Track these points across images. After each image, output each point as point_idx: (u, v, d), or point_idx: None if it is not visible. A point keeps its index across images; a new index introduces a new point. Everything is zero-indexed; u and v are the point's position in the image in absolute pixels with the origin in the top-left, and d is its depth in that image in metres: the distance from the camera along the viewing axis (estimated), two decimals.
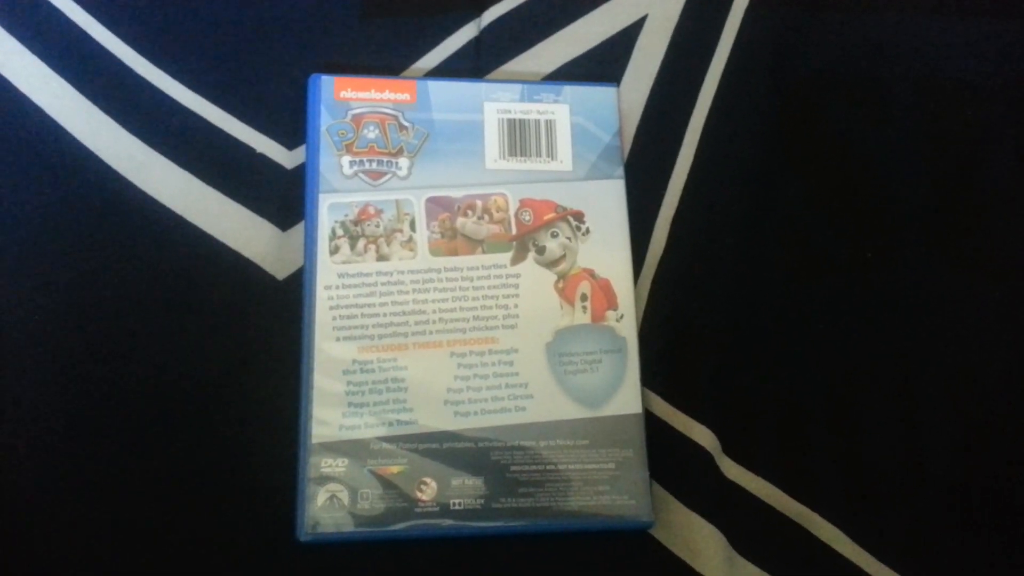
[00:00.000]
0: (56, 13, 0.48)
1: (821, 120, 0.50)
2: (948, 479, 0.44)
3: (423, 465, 0.41)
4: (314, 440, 0.40)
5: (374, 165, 0.45)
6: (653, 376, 0.44)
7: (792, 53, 0.51)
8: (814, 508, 0.42)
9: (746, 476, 0.43)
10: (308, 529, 0.39)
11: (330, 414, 0.41)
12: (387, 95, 0.46)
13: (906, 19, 0.52)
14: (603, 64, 0.50)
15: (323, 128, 0.45)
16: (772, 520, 0.42)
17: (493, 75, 0.49)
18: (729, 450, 0.43)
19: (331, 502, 0.40)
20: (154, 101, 0.47)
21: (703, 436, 0.43)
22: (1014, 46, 0.52)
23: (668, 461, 0.42)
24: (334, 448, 0.40)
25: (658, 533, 0.42)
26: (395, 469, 0.40)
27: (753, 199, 0.48)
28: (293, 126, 0.47)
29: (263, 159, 0.46)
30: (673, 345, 0.45)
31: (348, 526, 0.39)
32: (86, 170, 0.45)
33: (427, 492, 0.40)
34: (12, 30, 0.47)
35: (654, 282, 0.46)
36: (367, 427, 0.41)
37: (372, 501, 0.40)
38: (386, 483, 0.40)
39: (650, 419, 0.43)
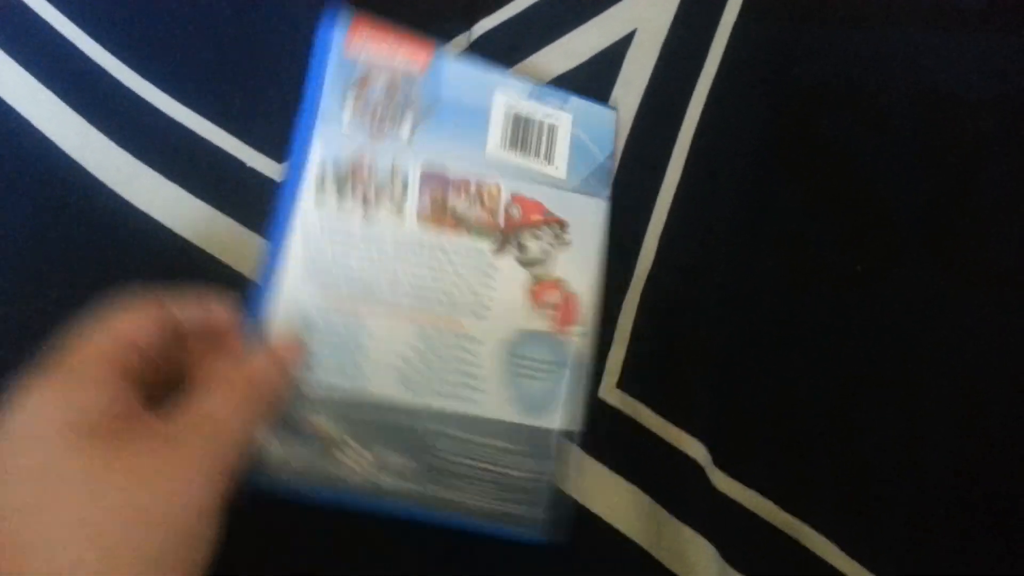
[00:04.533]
0: (44, 25, 0.48)
1: (811, 134, 0.50)
2: (942, 491, 0.43)
3: (359, 432, 0.40)
4: None
5: (376, 123, 0.44)
6: (644, 388, 0.44)
7: (782, 67, 0.51)
8: (806, 520, 0.42)
9: (737, 488, 0.43)
10: None
11: None
12: (399, 58, 0.45)
13: (898, 33, 0.53)
14: (592, 78, 0.50)
15: (328, 74, 0.44)
16: (764, 532, 0.42)
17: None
18: (720, 462, 0.43)
19: (258, 449, 0.39)
20: (143, 114, 0.47)
21: (694, 449, 0.43)
22: (1007, 60, 0.53)
23: (660, 474, 0.42)
24: None
25: (650, 546, 0.41)
26: (331, 430, 0.40)
27: (743, 212, 0.48)
28: (283, 139, 0.46)
29: (252, 173, 0.46)
30: (665, 357, 0.45)
31: (269, 477, 0.39)
32: (75, 183, 0.45)
33: (355, 459, 0.40)
34: (0, 43, 0.47)
35: (644, 294, 0.46)
36: (315, 381, 0.40)
37: (300, 457, 0.39)
38: (318, 441, 0.40)
39: (642, 432, 0.43)
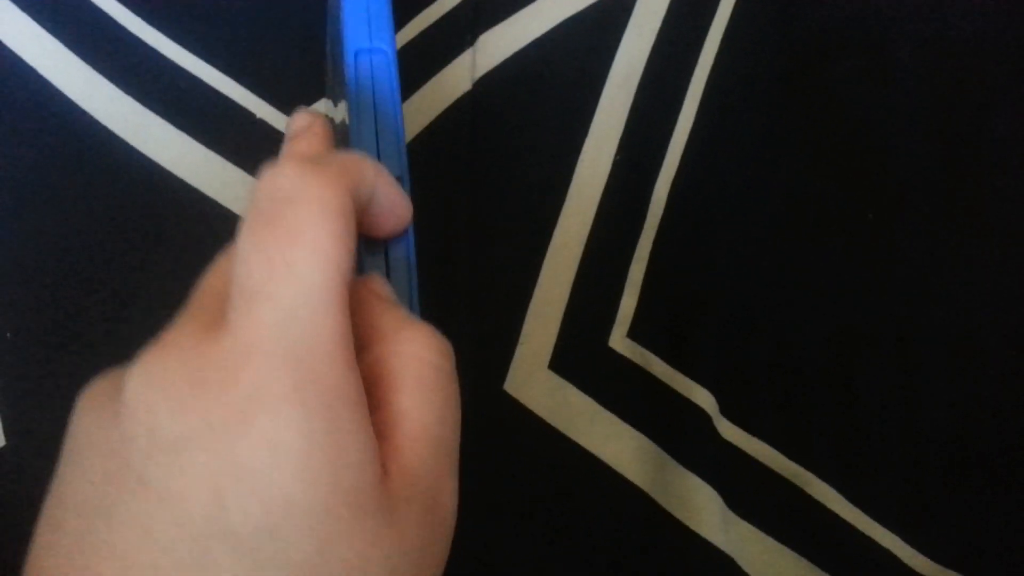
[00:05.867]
0: None
1: (822, 81, 0.49)
2: (944, 441, 0.44)
3: None
4: None
5: None
6: (655, 337, 0.44)
7: (796, 12, 0.50)
8: (810, 468, 0.43)
9: (743, 437, 0.43)
10: None
11: None
12: None
13: None
14: (602, 22, 0.49)
15: None
16: (768, 480, 0.42)
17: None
18: (727, 411, 0.44)
19: None
20: (151, 62, 0.46)
21: (702, 398, 0.43)
22: (1018, 5, 0.51)
23: (668, 422, 0.43)
24: None
25: (654, 493, 0.42)
26: None
27: (755, 160, 0.48)
28: (293, 91, 0.46)
29: (262, 124, 0.46)
30: (675, 306, 0.45)
31: None
32: (81, 131, 0.45)
33: None
34: None
35: (655, 243, 0.46)
36: None
37: None
38: None
39: (651, 381, 0.43)
